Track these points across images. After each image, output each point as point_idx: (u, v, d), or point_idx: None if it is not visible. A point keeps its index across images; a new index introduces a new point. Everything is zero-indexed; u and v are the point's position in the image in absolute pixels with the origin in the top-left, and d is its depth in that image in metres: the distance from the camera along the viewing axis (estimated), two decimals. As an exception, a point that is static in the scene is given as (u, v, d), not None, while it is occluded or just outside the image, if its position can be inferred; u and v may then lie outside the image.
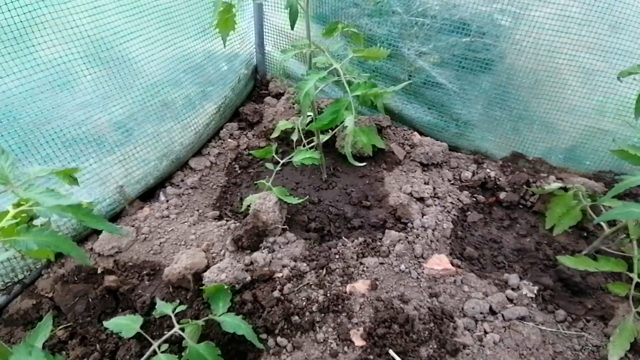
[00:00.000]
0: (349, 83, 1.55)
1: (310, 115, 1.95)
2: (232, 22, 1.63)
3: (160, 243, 1.75)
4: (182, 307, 1.30)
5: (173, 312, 1.27)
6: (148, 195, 2.04)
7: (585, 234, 1.91)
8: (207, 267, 1.60)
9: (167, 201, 2.00)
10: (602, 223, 1.69)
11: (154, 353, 1.17)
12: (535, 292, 1.60)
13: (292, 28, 1.36)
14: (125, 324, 1.21)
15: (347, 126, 1.41)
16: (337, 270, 1.65)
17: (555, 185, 1.98)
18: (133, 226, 1.81)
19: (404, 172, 2.20)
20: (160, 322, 1.48)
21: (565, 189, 1.91)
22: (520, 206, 2.09)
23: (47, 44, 1.47)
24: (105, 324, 1.30)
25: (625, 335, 1.35)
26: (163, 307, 1.30)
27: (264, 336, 1.43)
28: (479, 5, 1.93)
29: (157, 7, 1.83)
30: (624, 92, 1.91)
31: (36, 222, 1.00)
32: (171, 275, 1.54)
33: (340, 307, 1.52)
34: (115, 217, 1.90)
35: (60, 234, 1.25)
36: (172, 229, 1.83)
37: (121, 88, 1.78)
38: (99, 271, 1.64)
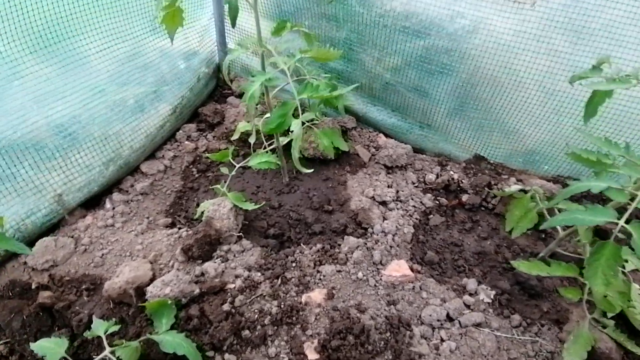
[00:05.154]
0: (310, 83, 1.48)
1: (268, 117, 1.88)
2: (180, 17, 1.52)
3: (102, 254, 1.63)
4: (116, 328, 1.19)
5: (105, 333, 1.17)
6: (93, 203, 1.90)
7: (543, 236, 1.92)
8: (153, 280, 1.50)
9: (114, 209, 1.86)
10: (557, 226, 1.69)
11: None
12: (492, 296, 1.59)
13: (233, 26, 1.28)
14: (49, 347, 1.10)
15: (293, 131, 1.34)
16: (293, 279, 1.58)
17: (515, 187, 1.98)
18: (72, 237, 1.68)
19: (368, 175, 2.15)
20: (98, 342, 1.37)
21: (525, 191, 1.91)
22: (482, 208, 2.08)
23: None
24: (32, 346, 1.18)
25: (581, 343, 1.33)
26: (96, 328, 1.19)
27: (210, 353, 1.34)
28: (438, 9, 1.90)
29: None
30: (580, 98, 1.92)
31: None
32: (111, 290, 1.43)
33: (294, 318, 1.45)
34: (52, 228, 1.75)
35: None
36: (116, 239, 1.71)
37: (65, 85, 1.65)
38: (33, 286, 1.51)
